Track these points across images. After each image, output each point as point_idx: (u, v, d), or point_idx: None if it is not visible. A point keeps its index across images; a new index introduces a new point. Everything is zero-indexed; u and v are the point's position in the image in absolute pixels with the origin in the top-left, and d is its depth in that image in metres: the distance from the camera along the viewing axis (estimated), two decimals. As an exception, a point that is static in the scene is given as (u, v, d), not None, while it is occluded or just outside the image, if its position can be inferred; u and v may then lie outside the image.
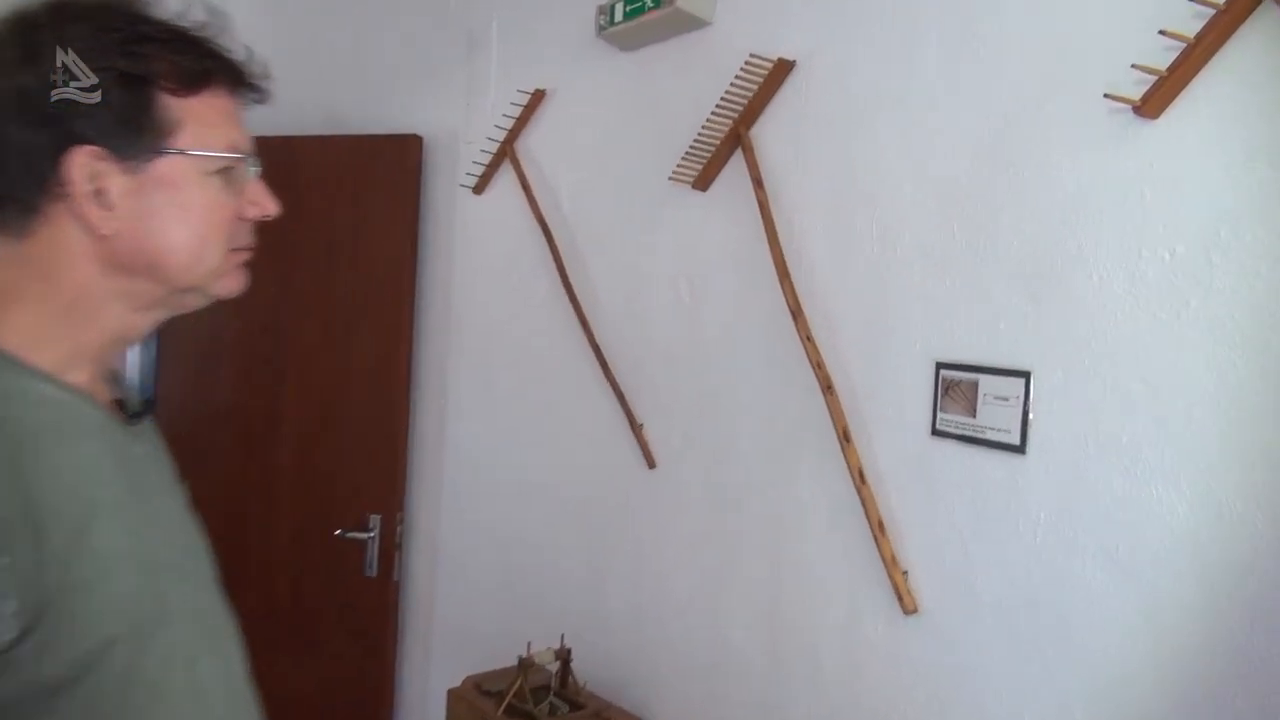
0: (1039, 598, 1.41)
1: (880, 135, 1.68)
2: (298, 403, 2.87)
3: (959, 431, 1.52)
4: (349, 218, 2.82)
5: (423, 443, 2.86)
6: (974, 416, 1.50)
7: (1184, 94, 1.21)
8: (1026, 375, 1.43)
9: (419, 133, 2.80)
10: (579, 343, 2.31)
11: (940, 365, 1.56)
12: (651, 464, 2.14)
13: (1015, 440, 1.44)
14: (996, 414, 1.46)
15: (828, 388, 1.70)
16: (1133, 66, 1.21)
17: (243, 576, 2.91)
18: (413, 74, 2.88)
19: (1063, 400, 1.39)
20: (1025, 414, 1.42)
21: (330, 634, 2.83)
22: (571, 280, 2.34)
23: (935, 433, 1.56)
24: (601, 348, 2.25)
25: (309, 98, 3.19)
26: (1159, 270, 1.27)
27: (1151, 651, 1.28)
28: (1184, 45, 1.16)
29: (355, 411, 2.81)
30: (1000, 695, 1.47)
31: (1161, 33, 1.16)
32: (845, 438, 1.67)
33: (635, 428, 2.17)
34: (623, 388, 2.20)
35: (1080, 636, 1.36)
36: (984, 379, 1.49)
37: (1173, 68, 1.19)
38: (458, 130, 2.74)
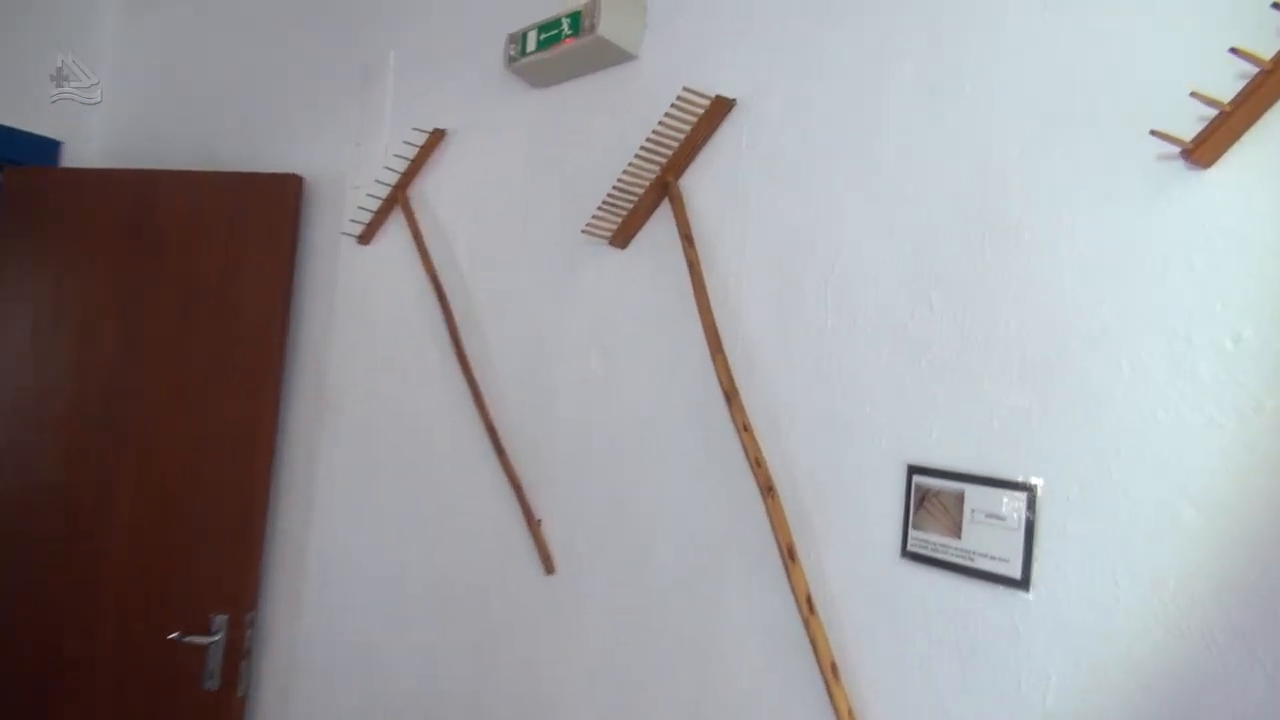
0: (1044, 781, 1.08)
1: (839, 185, 1.39)
2: (136, 478, 2.45)
3: (938, 555, 1.20)
4: (213, 266, 2.45)
5: (285, 530, 2.44)
6: (958, 537, 1.18)
7: (1250, 134, 0.94)
8: (1030, 489, 1.11)
9: (299, 172, 2.46)
10: (471, 420, 1.95)
11: (913, 469, 1.24)
12: (550, 569, 1.78)
13: (1015, 572, 1.12)
14: (989, 536, 1.14)
15: (768, 490, 1.38)
16: (1192, 95, 0.93)
17: (56, 686, 2.46)
18: (298, 107, 2.54)
19: (1081, 523, 1.07)
20: (1029, 538, 1.10)
21: (156, 761, 2.36)
22: (465, 348, 2.00)
23: (906, 554, 1.24)
24: (496, 428, 1.90)
25: (176, 128, 2.82)
26: (1217, 360, 0.97)
27: None
28: (1258, 71, 0.89)
29: (205, 491, 2.41)
30: None
31: (1233, 51, 0.89)
32: (789, 554, 1.34)
33: (532, 523, 1.81)
34: (519, 476, 1.85)
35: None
36: (971, 490, 1.17)
37: (1238, 100, 0.91)
38: (345, 172, 2.39)
